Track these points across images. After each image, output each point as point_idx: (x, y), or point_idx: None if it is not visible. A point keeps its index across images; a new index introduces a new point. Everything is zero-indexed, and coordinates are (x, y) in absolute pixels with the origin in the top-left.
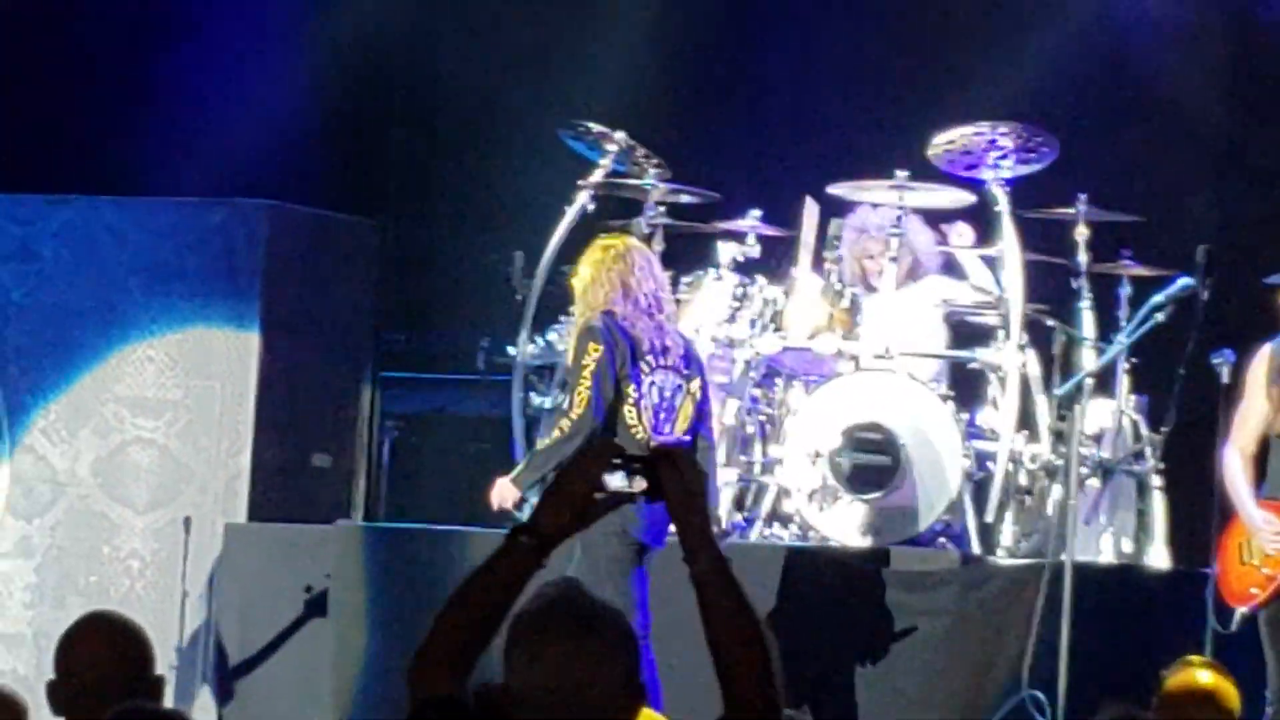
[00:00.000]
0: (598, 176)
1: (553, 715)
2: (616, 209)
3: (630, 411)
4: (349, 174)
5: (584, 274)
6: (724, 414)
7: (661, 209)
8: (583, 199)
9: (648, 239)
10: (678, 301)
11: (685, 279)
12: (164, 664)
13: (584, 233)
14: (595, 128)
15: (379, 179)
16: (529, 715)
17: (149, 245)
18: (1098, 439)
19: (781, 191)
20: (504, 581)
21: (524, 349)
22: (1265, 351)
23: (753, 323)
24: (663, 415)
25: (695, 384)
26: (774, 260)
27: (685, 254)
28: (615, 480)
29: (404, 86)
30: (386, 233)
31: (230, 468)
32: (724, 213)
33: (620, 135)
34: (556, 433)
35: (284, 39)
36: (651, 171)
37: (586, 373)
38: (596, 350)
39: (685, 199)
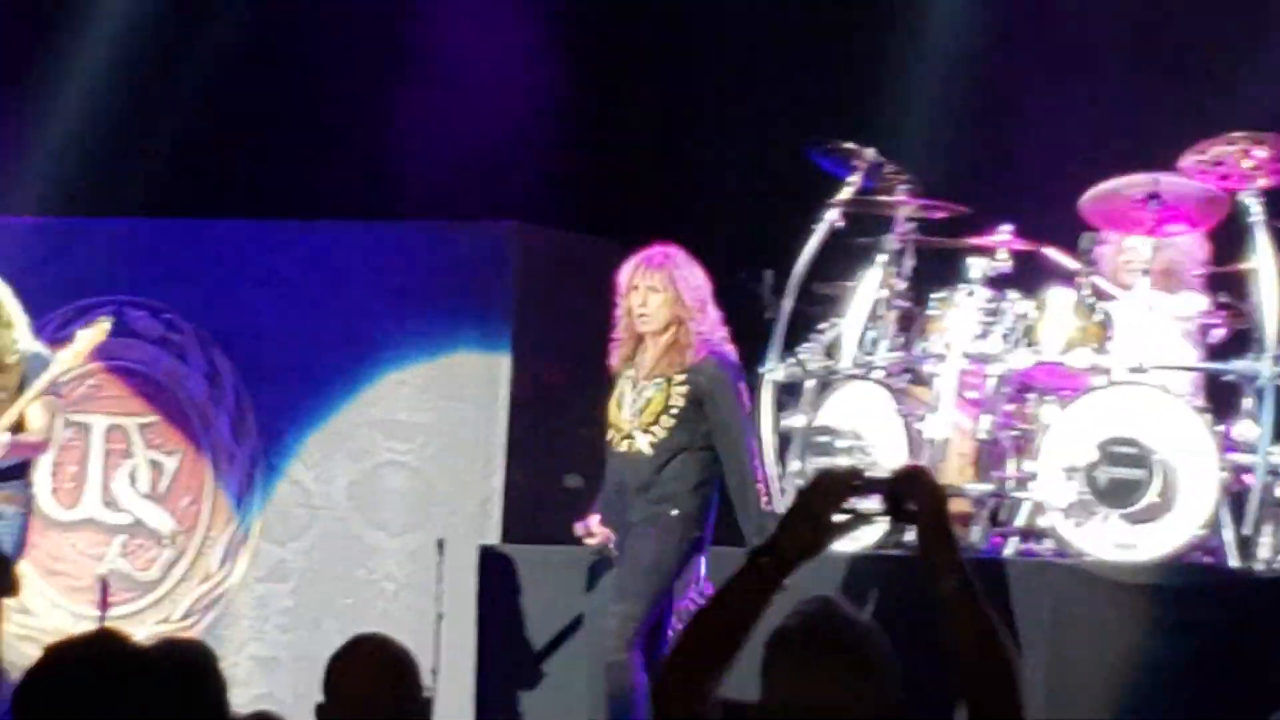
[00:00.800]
0: (847, 194)
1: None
2: (867, 226)
3: None
4: (595, 194)
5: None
6: (977, 429)
7: (912, 225)
8: (832, 216)
9: (898, 255)
10: (929, 317)
11: (936, 295)
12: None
13: (834, 250)
14: (844, 144)
15: (625, 199)
16: None
17: (398, 268)
18: None
19: (1032, 205)
20: (745, 602)
21: (774, 368)
22: None
23: (1005, 337)
24: None
25: None
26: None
27: (936, 270)
28: (856, 502)
29: (650, 104)
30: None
31: (482, 490)
32: (974, 227)
33: (870, 151)
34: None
35: (527, 61)
36: (901, 188)
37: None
38: None
39: (935, 214)
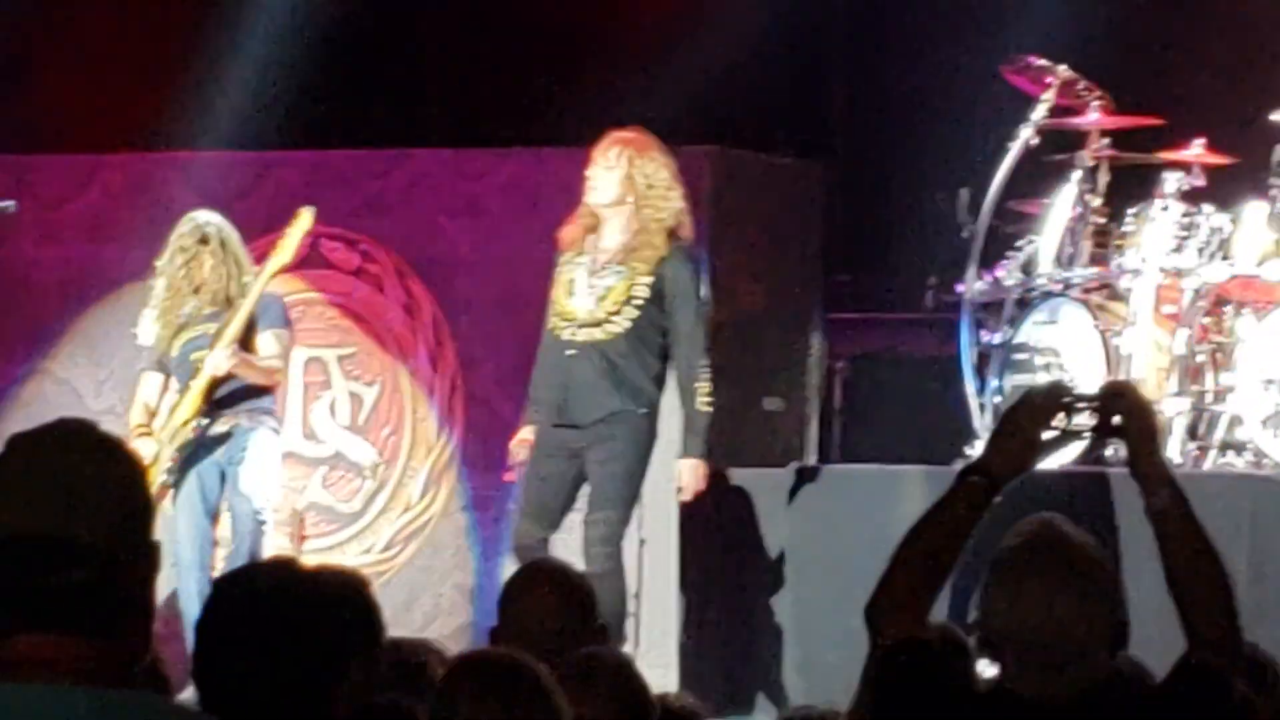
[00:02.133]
0: (1041, 112)
1: (1035, 654)
2: (1060, 142)
3: None
4: (792, 116)
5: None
6: (1174, 343)
7: (1105, 141)
8: (1026, 134)
9: (1092, 171)
10: (1124, 233)
11: (1131, 210)
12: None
13: (1028, 167)
14: (1037, 62)
15: (821, 120)
16: (1013, 656)
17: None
18: None
19: (1226, 118)
20: (957, 521)
21: (972, 286)
22: None
23: (1200, 251)
24: None
25: None
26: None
27: (1131, 185)
28: (1064, 418)
29: (845, 26)
30: (832, 174)
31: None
32: (1168, 141)
33: (1062, 68)
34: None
35: None
36: (1094, 104)
37: None
38: None
39: (1128, 129)
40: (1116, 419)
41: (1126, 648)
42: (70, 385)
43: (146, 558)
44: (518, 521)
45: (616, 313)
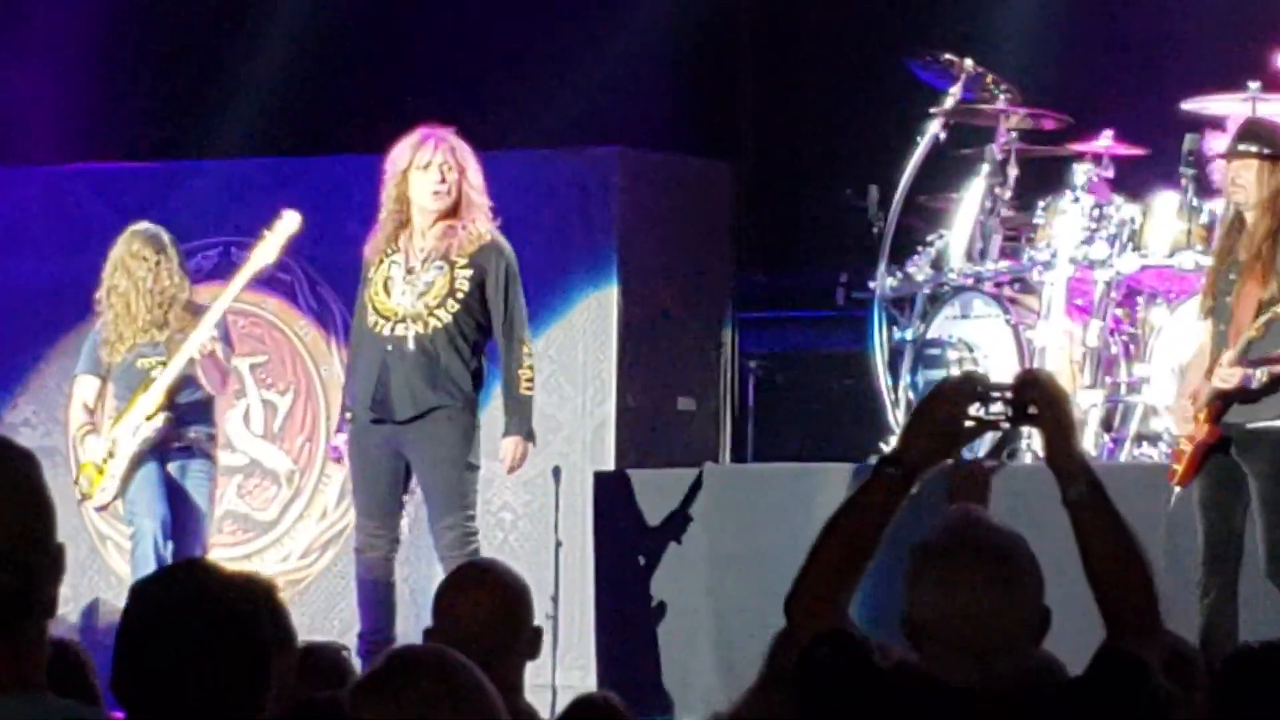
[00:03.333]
0: (948, 104)
1: (962, 644)
2: (968, 136)
3: None
4: (700, 115)
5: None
6: (1086, 336)
7: (1014, 134)
8: (934, 128)
9: (1002, 165)
10: (1035, 226)
11: (1041, 203)
12: (540, 614)
13: (937, 162)
14: (943, 55)
15: (729, 119)
16: (937, 646)
17: (501, 197)
18: None
19: (1134, 110)
20: (875, 512)
21: (883, 282)
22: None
23: (1111, 242)
24: None
25: None
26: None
27: (1040, 178)
28: (978, 408)
29: (751, 22)
30: (741, 172)
31: (596, 416)
32: (1077, 134)
33: (969, 62)
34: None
35: None
36: (1002, 97)
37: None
38: None
39: (1037, 123)
40: (1031, 408)
41: (1045, 637)
42: None
43: (54, 561)
44: (362, 523)
45: (439, 307)
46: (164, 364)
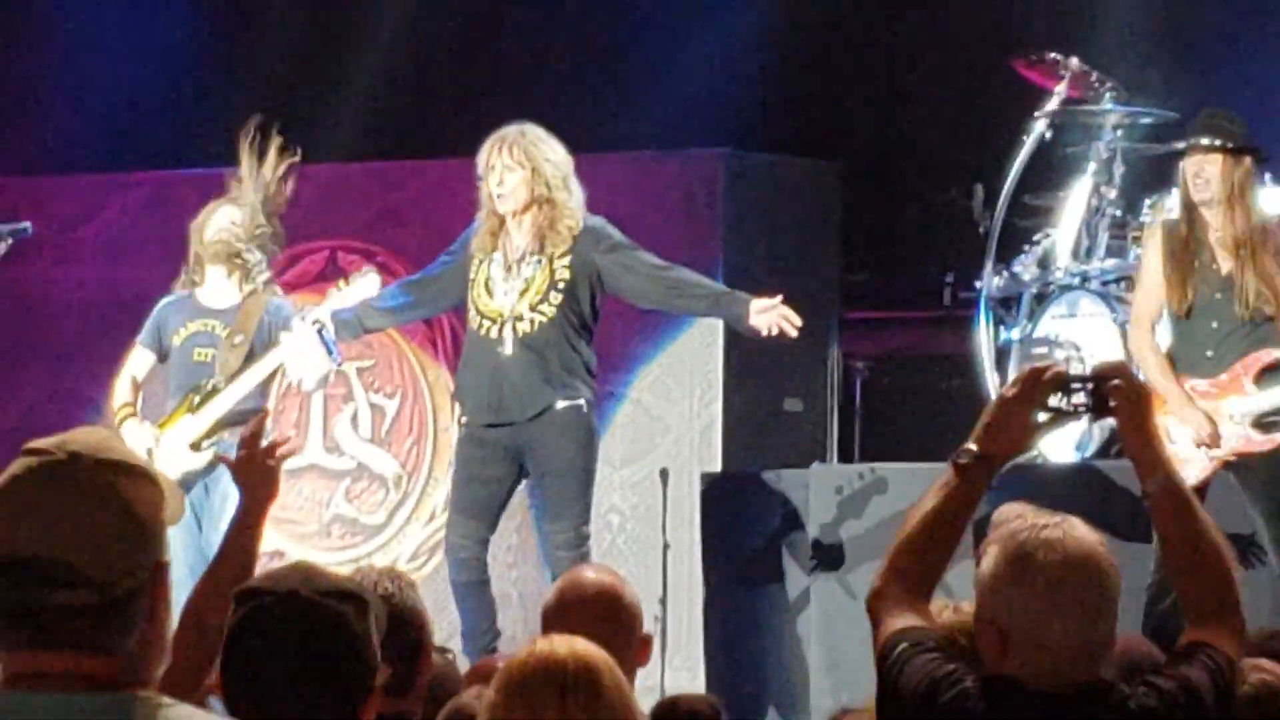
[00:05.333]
0: (1053, 104)
1: (1044, 650)
2: (1074, 135)
3: None
4: (805, 117)
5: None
6: None
7: (1119, 133)
8: (1040, 127)
9: (1107, 163)
10: (1141, 224)
11: (1147, 200)
12: (648, 617)
13: (1043, 161)
14: (1048, 55)
15: (835, 120)
16: (1016, 649)
17: (607, 200)
18: None
19: (1236, 107)
20: (955, 505)
21: (989, 282)
22: (1157, 225)
23: None
24: None
25: None
26: None
27: (1146, 176)
28: (1059, 398)
29: (858, 23)
30: (846, 173)
31: (703, 418)
32: (1183, 132)
33: (1074, 60)
34: None
35: None
36: (1107, 95)
37: None
38: None
39: (1143, 121)
40: (1111, 400)
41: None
42: (95, 405)
43: (150, 579)
44: (456, 521)
45: (541, 302)
46: (214, 353)
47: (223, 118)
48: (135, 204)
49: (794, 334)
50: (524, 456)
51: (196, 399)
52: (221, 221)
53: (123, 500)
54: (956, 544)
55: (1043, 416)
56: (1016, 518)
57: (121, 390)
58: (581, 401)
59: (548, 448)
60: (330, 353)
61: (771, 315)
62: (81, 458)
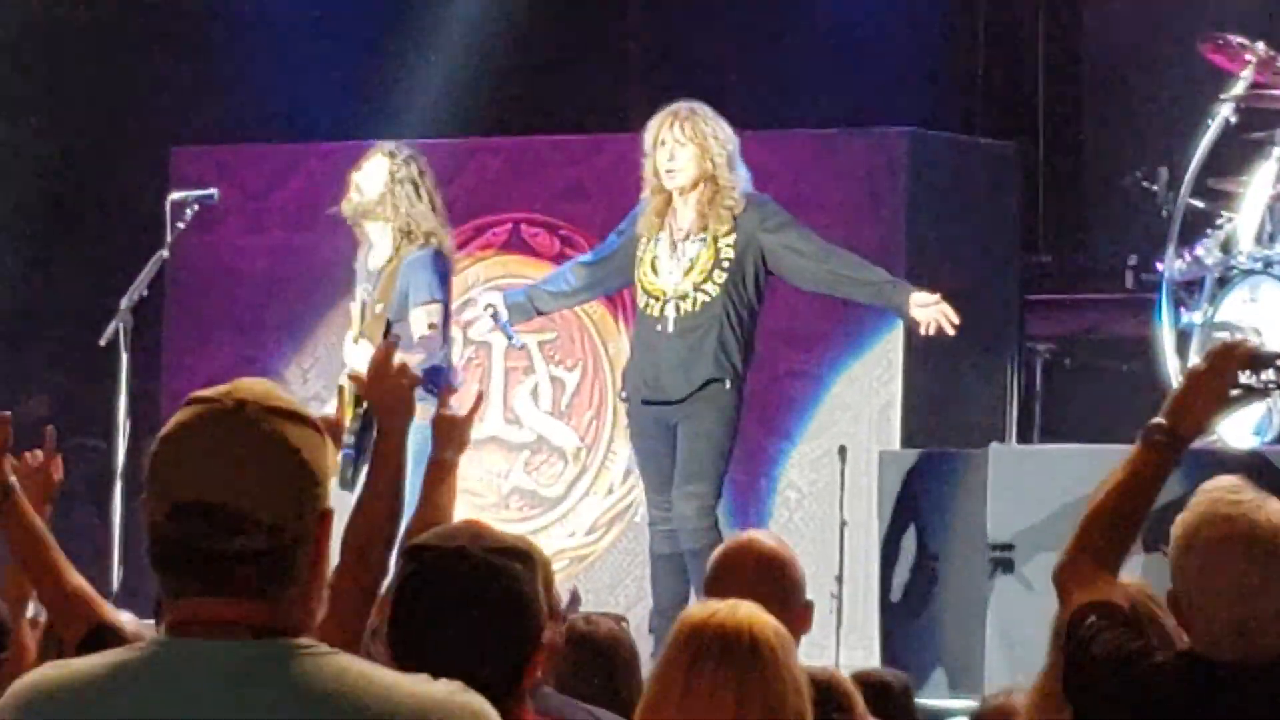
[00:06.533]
0: (1239, 88)
1: (1228, 620)
2: (1259, 120)
3: None
4: (989, 97)
5: None
6: None
7: None
8: (1225, 111)
9: None
10: None
11: None
12: (824, 594)
13: (1227, 146)
14: (1235, 39)
15: (1019, 100)
16: (1202, 621)
17: (790, 178)
18: None
19: None
20: (1144, 480)
21: (1171, 265)
22: None
23: None
24: None
25: None
26: None
27: None
28: (1248, 375)
29: (1043, 4)
30: (1029, 154)
31: (882, 395)
32: None
33: (1260, 45)
34: None
35: None
36: None
37: None
38: None
39: None
40: None
41: None
42: (277, 374)
43: (316, 527)
44: (648, 496)
45: (706, 280)
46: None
47: (407, 90)
48: (320, 173)
49: (952, 332)
50: (677, 431)
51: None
52: (370, 177)
53: (290, 447)
54: (1145, 517)
55: (1233, 393)
56: (1215, 488)
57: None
58: (729, 379)
59: (694, 420)
60: (509, 337)
61: (931, 310)
62: (248, 405)
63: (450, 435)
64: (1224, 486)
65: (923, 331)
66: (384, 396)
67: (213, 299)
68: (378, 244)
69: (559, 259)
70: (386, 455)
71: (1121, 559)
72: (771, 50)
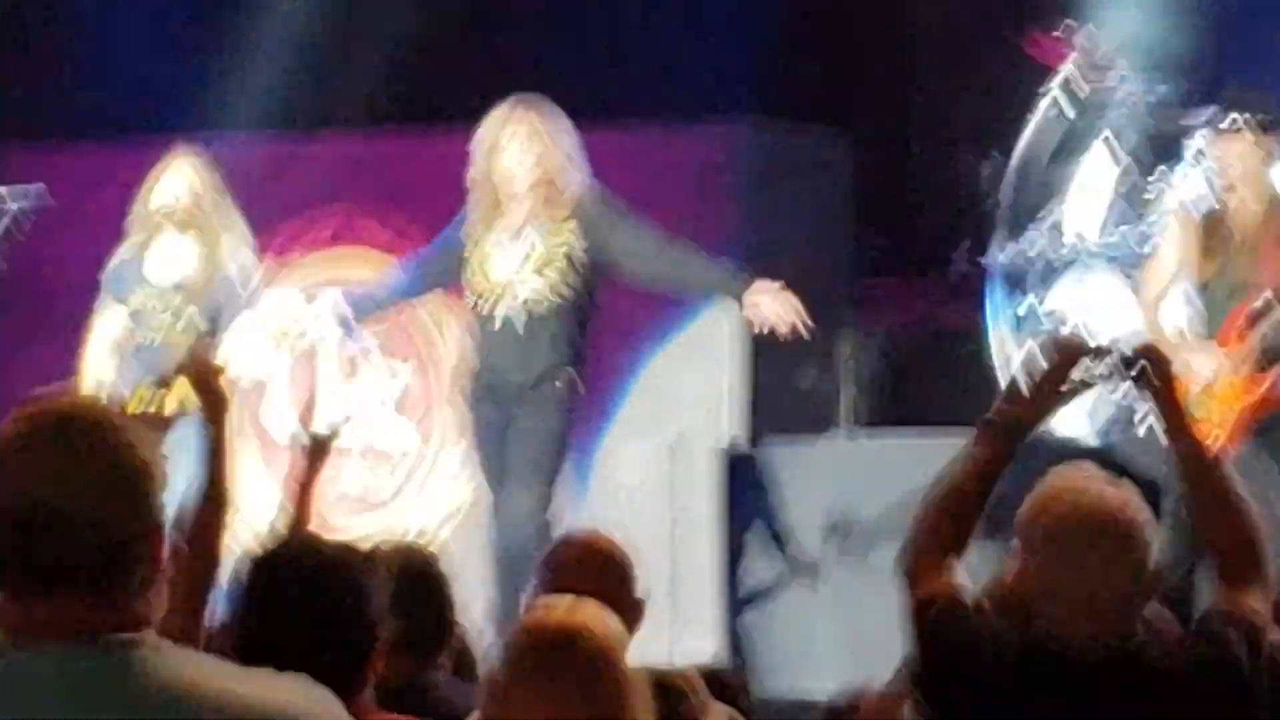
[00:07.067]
0: (1067, 75)
1: (1073, 607)
2: (1086, 107)
3: None
4: (820, 83)
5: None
6: None
7: (1131, 105)
8: (1053, 98)
9: (1118, 136)
10: (1149, 198)
11: (1157, 173)
12: (658, 590)
13: (1054, 132)
14: (1064, 25)
15: (851, 87)
16: (1048, 611)
17: (621, 170)
18: None
19: (1252, 78)
20: (982, 470)
21: (1000, 253)
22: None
23: None
24: None
25: None
26: None
27: (1157, 148)
28: (1085, 369)
29: None
30: (861, 141)
31: (716, 387)
32: (1194, 104)
33: (1088, 31)
34: None
35: None
36: (1120, 67)
37: None
38: None
39: (1155, 94)
40: (1135, 370)
41: (1156, 596)
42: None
43: (152, 524)
44: (497, 491)
45: (541, 273)
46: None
47: (236, 84)
48: (145, 175)
49: (802, 328)
50: (513, 423)
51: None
52: (175, 183)
53: (122, 448)
54: (983, 506)
55: (1068, 386)
56: (1066, 471)
57: (99, 365)
58: (565, 372)
59: (529, 415)
60: (351, 336)
61: (776, 303)
62: (78, 409)
63: (207, 389)
64: (1074, 471)
65: (757, 328)
66: (208, 392)
67: (37, 303)
68: (177, 251)
69: (390, 250)
70: (217, 445)
71: (963, 547)
72: (598, 42)
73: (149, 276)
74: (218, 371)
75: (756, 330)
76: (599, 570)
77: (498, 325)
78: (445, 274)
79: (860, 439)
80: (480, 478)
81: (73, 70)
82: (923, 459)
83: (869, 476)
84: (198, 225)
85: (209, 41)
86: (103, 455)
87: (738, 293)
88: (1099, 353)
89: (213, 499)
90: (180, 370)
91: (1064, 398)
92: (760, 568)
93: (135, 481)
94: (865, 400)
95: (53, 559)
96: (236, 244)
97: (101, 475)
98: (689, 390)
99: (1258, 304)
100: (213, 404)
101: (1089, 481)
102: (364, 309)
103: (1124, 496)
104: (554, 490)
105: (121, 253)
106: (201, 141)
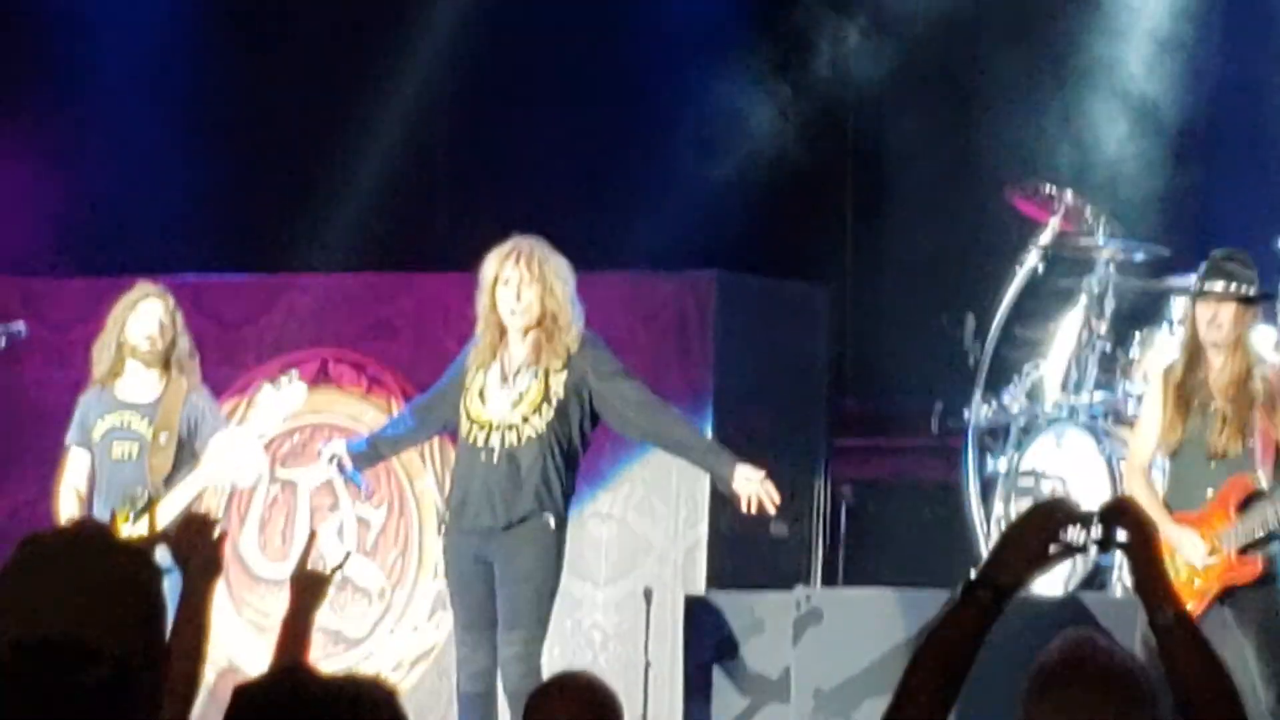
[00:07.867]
0: (1047, 236)
1: None
2: (1067, 268)
3: None
4: (798, 241)
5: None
6: None
7: (1111, 267)
8: (1033, 259)
9: (1099, 297)
10: (1130, 359)
11: (1137, 335)
12: None
13: (1035, 293)
14: (1043, 187)
15: (828, 245)
16: None
17: (597, 318)
18: None
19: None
20: (965, 636)
21: (977, 412)
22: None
23: None
24: None
25: None
26: None
27: (1137, 311)
28: (1069, 533)
29: (853, 147)
30: (837, 297)
31: (688, 538)
32: (1174, 268)
33: (1069, 194)
34: None
35: (719, 108)
36: (1101, 229)
37: None
38: None
39: (1135, 256)
40: (1120, 535)
41: None
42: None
43: (158, 658)
44: (456, 633)
45: (534, 414)
46: (136, 450)
47: (220, 225)
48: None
49: (772, 511)
50: (494, 566)
51: (131, 514)
52: (149, 320)
53: (129, 579)
54: (967, 673)
55: (1052, 550)
56: (1073, 632)
57: (67, 505)
58: (551, 517)
59: (513, 560)
60: (359, 486)
61: (754, 486)
62: (84, 541)
63: (195, 550)
64: (1080, 632)
65: (743, 508)
66: (194, 554)
67: (17, 433)
68: (139, 377)
69: (366, 397)
70: (192, 612)
71: (947, 712)
72: (579, 192)
73: (122, 399)
74: (221, 537)
75: (744, 507)
76: (589, 707)
77: (487, 460)
78: (452, 410)
79: (830, 593)
80: (451, 619)
81: (60, 206)
82: (892, 615)
83: (836, 630)
84: (165, 362)
85: (190, 182)
86: (112, 584)
87: (724, 471)
88: (1081, 519)
89: (185, 668)
90: (180, 532)
91: (1047, 563)
92: (721, 716)
93: (145, 611)
94: (837, 555)
95: (64, 692)
96: (196, 383)
97: (112, 605)
98: (664, 538)
99: (1259, 487)
100: (206, 567)
101: (1096, 641)
102: (370, 459)
103: (1132, 656)
104: (541, 637)
105: (91, 383)
106: (180, 282)
